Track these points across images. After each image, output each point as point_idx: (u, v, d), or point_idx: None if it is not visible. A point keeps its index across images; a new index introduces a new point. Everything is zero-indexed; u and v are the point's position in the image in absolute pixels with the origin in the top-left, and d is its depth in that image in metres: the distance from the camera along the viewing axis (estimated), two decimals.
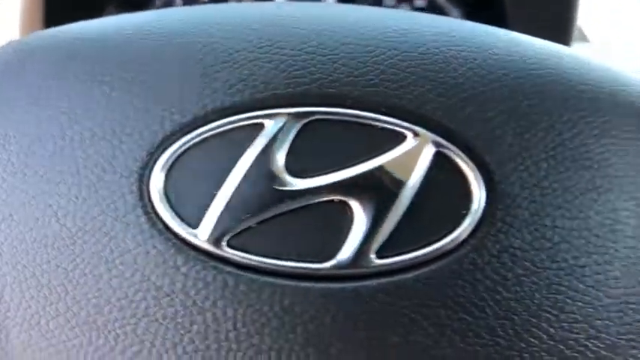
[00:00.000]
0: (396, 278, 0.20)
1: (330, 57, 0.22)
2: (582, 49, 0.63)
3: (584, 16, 0.64)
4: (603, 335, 0.22)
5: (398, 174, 0.21)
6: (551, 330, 0.21)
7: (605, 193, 0.22)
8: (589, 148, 0.23)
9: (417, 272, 0.20)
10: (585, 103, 0.23)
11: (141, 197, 0.21)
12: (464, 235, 0.21)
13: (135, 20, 0.24)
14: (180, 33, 0.23)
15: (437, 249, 0.21)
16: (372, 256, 0.21)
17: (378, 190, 0.21)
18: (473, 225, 0.21)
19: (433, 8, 0.66)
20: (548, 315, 0.21)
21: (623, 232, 0.22)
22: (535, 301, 0.21)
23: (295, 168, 0.21)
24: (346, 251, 0.20)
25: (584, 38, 0.63)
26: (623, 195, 0.23)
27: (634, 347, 0.22)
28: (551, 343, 0.21)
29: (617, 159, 0.23)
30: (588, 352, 0.21)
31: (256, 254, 0.20)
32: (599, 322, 0.22)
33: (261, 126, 0.21)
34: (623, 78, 0.25)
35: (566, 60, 0.24)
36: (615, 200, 0.22)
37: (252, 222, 0.21)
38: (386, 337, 0.20)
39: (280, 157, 0.21)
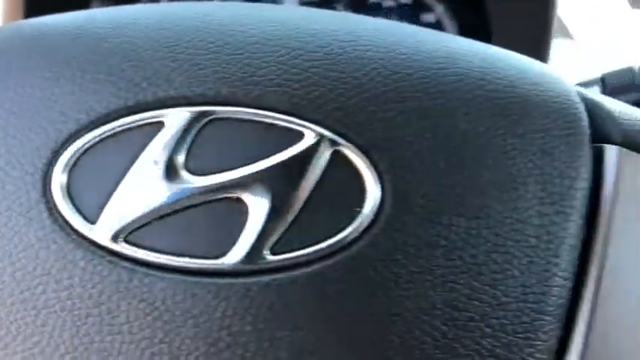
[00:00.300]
0: (287, 274, 0.21)
1: (233, 56, 0.22)
2: (565, 46, 0.62)
3: (565, 12, 0.63)
4: (500, 334, 0.22)
5: (294, 172, 0.21)
6: (444, 328, 0.21)
7: (508, 192, 0.23)
8: (493, 147, 0.23)
9: (308, 269, 0.21)
10: (492, 102, 0.23)
11: (44, 193, 0.21)
12: (356, 233, 0.21)
13: (55, 19, 0.25)
14: (93, 32, 0.23)
15: (329, 246, 0.21)
16: (266, 252, 0.21)
17: (274, 187, 0.21)
18: (366, 223, 0.21)
19: (418, 4, 0.66)
20: (441, 313, 0.21)
21: (525, 231, 0.22)
22: (429, 298, 0.21)
23: (194, 166, 0.21)
24: (240, 248, 0.21)
25: (568, 35, 0.62)
26: (528, 194, 0.23)
27: (531, 346, 0.22)
28: (445, 341, 0.21)
29: (523, 158, 0.23)
30: (484, 351, 0.22)
31: (152, 250, 0.21)
32: (495, 320, 0.22)
33: (162, 124, 0.22)
34: (540, 78, 0.25)
35: (478, 59, 0.24)
36: (518, 199, 0.23)
37: (149, 218, 0.21)
38: (274, 333, 0.20)
39: (180, 155, 0.21)
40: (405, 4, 0.67)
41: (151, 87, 0.22)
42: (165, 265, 0.21)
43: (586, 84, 0.43)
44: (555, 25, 0.63)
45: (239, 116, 0.22)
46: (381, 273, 0.21)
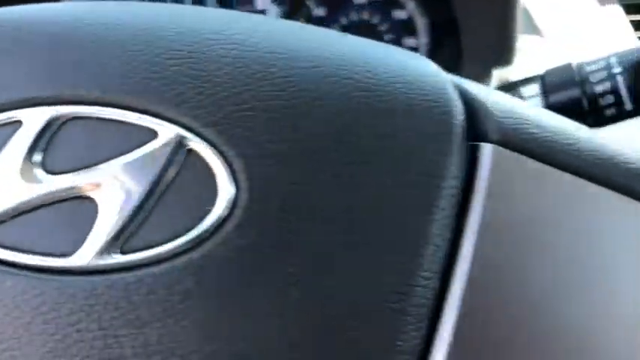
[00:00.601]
0: (134, 273, 0.21)
1: (95, 56, 0.23)
2: (534, 42, 0.62)
3: (534, 9, 0.63)
4: (355, 334, 0.22)
5: (146, 171, 0.21)
6: (294, 329, 0.21)
7: (369, 192, 0.22)
8: (355, 146, 0.23)
9: (156, 268, 0.21)
10: (357, 101, 0.23)
11: None
12: (207, 233, 0.21)
13: None
14: None
15: (178, 245, 0.21)
16: (115, 251, 0.21)
17: (126, 187, 0.21)
18: (218, 222, 0.21)
19: (390, 1, 0.66)
20: (292, 314, 0.21)
21: (386, 231, 0.22)
22: (279, 299, 0.21)
23: (51, 165, 0.22)
24: (88, 246, 0.21)
25: (537, 32, 0.62)
26: (390, 194, 0.23)
27: (391, 346, 0.22)
28: (294, 341, 0.21)
29: (385, 157, 0.23)
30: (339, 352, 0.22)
31: (5, 247, 0.21)
32: (352, 321, 0.22)
33: (20, 124, 0.22)
34: (415, 75, 0.25)
35: (351, 58, 0.24)
36: (379, 199, 0.22)
37: (4, 217, 0.21)
38: (120, 330, 0.21)
39: (37, 155, 0.22)
40: (377, 1, 0.66)
41: (11, 87, 0.22)
42: (16, 262, 0.21)
43: (527, 80, 0.42)
44: (524, 22, 0.62)
45: (97, 115, 0.22)
46: (230, 272, 0.21)
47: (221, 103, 0.22)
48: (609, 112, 0.40)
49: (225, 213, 0.21)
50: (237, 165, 0.22)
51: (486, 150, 0.24)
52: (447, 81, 0.25)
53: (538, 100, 0.41)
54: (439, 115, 0.24)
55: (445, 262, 0.23)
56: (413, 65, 0.25)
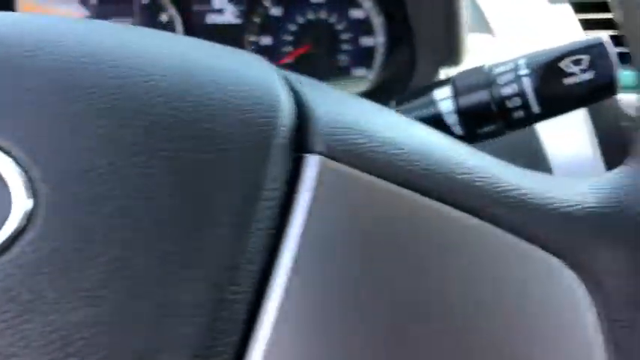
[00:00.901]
0: None
1: None
2: (486, 41, 0.60)
3: (486, 8, 0.61)
4: (162, 342, 0.22)
5: None
6: (83, 342, 0.21)
7: (181, 199, 0.22)
8: (163, 155, 0.22)
9: None
10: (171, 111, 0.23)
11: None
12: (1, 247, 0.21)
13: None
14: None
15: None
16: None
17: None
18: (13, 236, 0.21)
19: (347, 0, 0.65)
20: (80, 331, 0.21)
21: (199, 243, 0.22)
22: (72, 315, 0.21)
23: None
24: None
25: (488, 30, 0.61)
26: (204, 200, 0.22)
27: (208, 352, 0.22)
28: (100, 351, 0.21)
29: (198, 164, 0.22)
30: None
31: None
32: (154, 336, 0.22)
33: None
34: (244, 85, 0.24)
35: (177, 65, 0.24)
36: (191, 207, 0.22)
37: None
38: None
39: None
40: (334, 0, 0.66)
41: None
42: None
43: (440, 83, 0.41)
44: (476, 21, 0.61)
45: None
46: (22, 288, 0.21)
47: (24, 116, 0.22)
48: (517, 115, 0.39)
49: (22, 225, 0.21)
50: (36, 178, 0.22)
51: (311, 161, 0.24)
52: (279, 88, 0.25)
53: (449, 103, 0.40)
54: (262, 126, 0.23)
55: (261, 276, 0.23)
56: (245, 72, 0.25)
